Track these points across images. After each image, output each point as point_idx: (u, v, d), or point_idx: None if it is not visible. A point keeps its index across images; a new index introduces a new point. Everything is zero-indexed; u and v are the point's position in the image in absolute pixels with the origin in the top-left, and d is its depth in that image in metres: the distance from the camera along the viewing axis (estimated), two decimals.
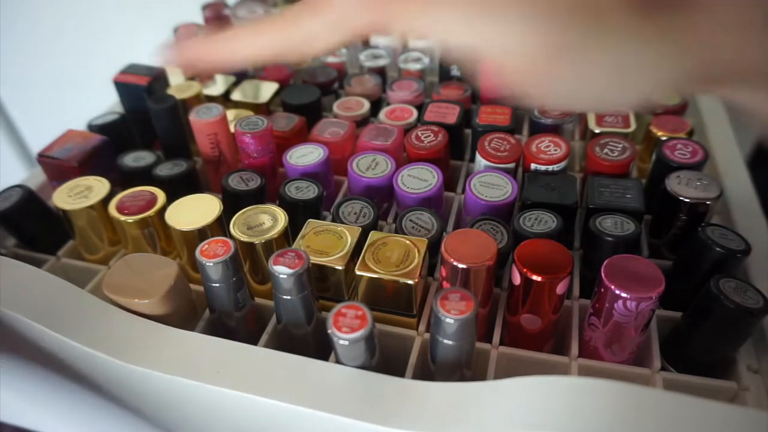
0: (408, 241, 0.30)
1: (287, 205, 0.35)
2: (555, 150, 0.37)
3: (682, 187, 0.34)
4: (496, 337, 0.31)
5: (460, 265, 0.27)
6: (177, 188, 0.35)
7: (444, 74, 0.50)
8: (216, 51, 0.28)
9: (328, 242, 0.31)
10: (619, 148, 0.37)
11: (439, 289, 0.28)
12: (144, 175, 0.38)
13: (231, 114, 0.43)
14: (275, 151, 0.40)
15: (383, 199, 0.38)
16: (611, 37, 0.21)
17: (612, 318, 0.27)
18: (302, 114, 0.44)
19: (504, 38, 0.21)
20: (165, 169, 0.38)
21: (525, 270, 0.28)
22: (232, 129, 0.40)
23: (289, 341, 0.30)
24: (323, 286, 0.31)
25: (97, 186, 0.35)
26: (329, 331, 0.24)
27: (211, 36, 0.28)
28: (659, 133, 0.41)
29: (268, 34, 0.27)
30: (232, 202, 0.34)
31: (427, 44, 0.52)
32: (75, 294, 0.29)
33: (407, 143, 0.39)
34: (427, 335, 0.30)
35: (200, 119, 0.39)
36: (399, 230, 0.33)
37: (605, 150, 0.37)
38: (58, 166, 0.38)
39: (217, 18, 0.54)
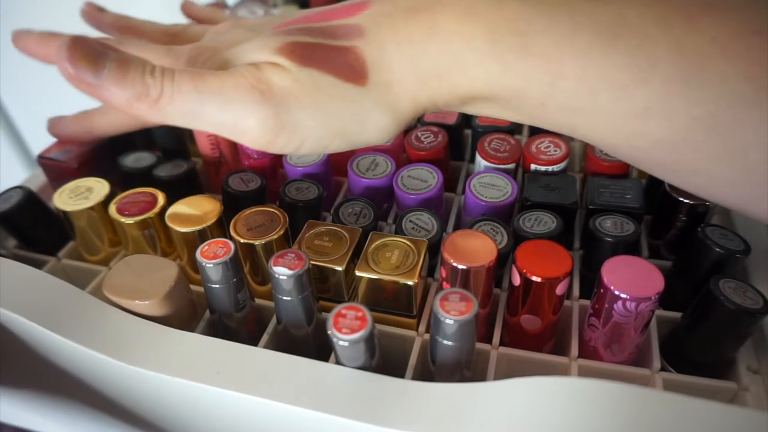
0: (408, 242, 0.31)
1: (287, 206, 0.35)
2: (555, 150, 0.37)
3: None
4: (496, 337, 0.31)
5: (460, 266, 0.27)
6: (177, 189, 0.35)
7: None
8: (82, 125, 0.34)
9: (328, 243, 0.31)
10: None
11: (439, 290, 0.28)
12: (144, 176, 0.38)
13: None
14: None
15: (383, 200, 0.38)
16: (319, 112, 0.25)
17: (612, 318, 0.27)
18: None
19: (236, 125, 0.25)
20: (165, 170, 0.38)
21: (525, 271, 0.28)
22: None
23: (289, 342, 0.30)
24: (323, 287, 0.31)
25: (98, 187, 0.35)
26: (329, 332, 0.24)
27: (75, 115, 0.34)
28: None
29: (115, 113, 0.33)
30: (233, 203, 0.34)
31: None
32: (75, 295, 0.30)
33: (407, 144, 0.40)
34: (427, 336, 0.30)
35: None
36: (399, 231, 0.33)
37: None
38: (59, 168, 0.38)
39: None
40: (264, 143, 0.25)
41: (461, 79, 0.25)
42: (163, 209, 0.33)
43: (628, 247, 0.31)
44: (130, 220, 0.33)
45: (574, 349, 0.30)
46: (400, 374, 0.26)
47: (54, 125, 0.34)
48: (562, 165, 0.37)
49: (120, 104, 0.24)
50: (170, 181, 0.37)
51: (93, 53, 0.23)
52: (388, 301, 0.30)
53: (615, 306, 0.27)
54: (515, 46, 0.24)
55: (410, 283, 0.29)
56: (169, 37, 0.36)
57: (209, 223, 0.32)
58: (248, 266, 0.32)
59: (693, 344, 0.30)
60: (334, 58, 0.25)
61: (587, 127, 0.25)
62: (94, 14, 0.36)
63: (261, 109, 0.24)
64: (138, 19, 0.36)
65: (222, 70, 0.26)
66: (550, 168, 0.37)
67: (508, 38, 0.24)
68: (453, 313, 0.24)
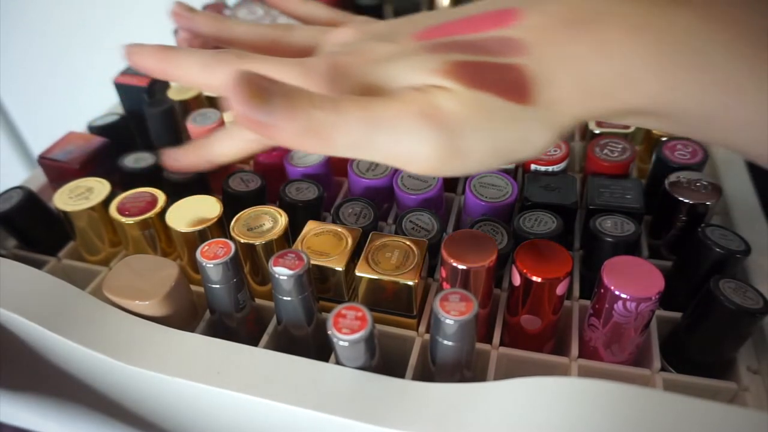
0: (408, 242, 0.31)
1: (287, 206, 0.35)
2: (555, 150, 0.37)
3: (682, 187, 0.34)
4: (496, 337, 0.31)
5: (460, 266, 0.27)
6: (188, 192, 0.35)
7: None
8: (201, 155, 0.31)
9: (328, 243, 0.31)
10: (619, 149, 0.37)
11: (439, 290, 0.28)
12: (145, 176, 0.38)
13: (230, 115, 0.43)
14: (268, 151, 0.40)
15: (383, 200, 0.38)
16: (488, 135, 0.23)
17: (612, 318, 0.27)
18: None
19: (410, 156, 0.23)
20: (176, 172, 0.38)
21: (525, 271, 0.28)
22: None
23: (289, 342, 0.30)
24: (323, 287, 0.31)
25: (98, 187, 0.35)
26: (329, 332, 0.24)
27: (190, 146, 0.32)
28: (659, 134, 0.41)
29: (233, 139, 0.30)
30: (233, 203, 0.34)
31: None
32: (75, 295, 0.30)
33: None
34: (427, 336, 0.30)
35: (198, 126, 0.39)
36: (399, 231, 0.33)
37: (605, 150, 0.37)
38: (59, 168, 0.38)
39: None
40: (433, 170, 0.24)
41: (627, 95, 0.24)
42: (163, 209, 0.33)
43: (628, 247, 0.31)
44: (130, 221, 0.33)
45: (574, 349, 0.30)
46: (400, 374, 0.26)
47: (170, 156, 0.32)
48: (562, 165, 0.37)
49: (286, 141, 0.22)
50: (183, 183, 0.37)
51: (260, 89, 0.21)
52: (388, 301, 0.30)
53: (615, 306, 0.27)
54: (689, 63, 0.23)
55: (410, 283, 0.29)
56: (269, 42, 0.33)
57: (209, 223, 0.32)
58: (248, 266, 0.32)
59: (693, 344, 0.30)
60: (499, 77, 0.24)
61: (761, 145, 0.24)
62: (184, 15, 0.33)
63: (433, 137, 0.23)
64: (232, 19, 0.34)
65: (373, 91, 0.25)
66: (550, 168, 0.37)
67: (681, 54, 0.23)
68: (453, 313, 0.24)
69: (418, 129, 0.23)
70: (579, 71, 0.24)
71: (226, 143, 0.30)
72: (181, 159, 0.31)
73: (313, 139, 0.22)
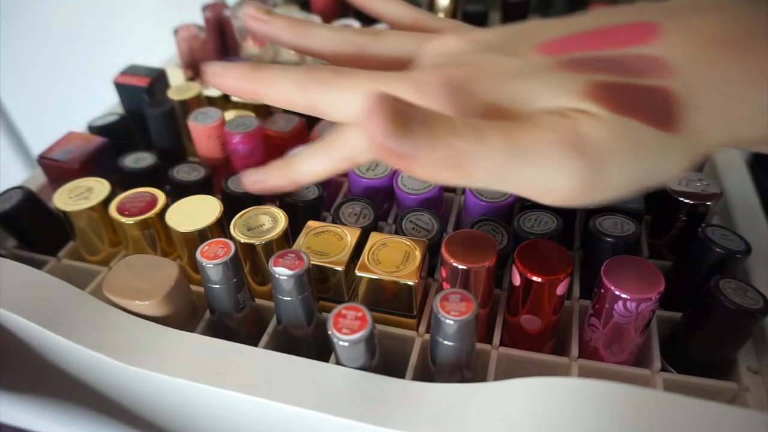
0: (408, 242, 0.31)
1: (287, 206, 0.35)
2: None
3: (682, 187, 0.34)
4: (496, 337, 0.31)
5: (460, 266, 0.27)
6: (192, 193, 0.35)
7: None
8: (286, 176, 0.28)
9: (328, 243, 0.31)
10: None
11: (439, 290, 0.28)
12: (145, 176, 0.38)
13: (231, 115, 0.43)
14: (264, 151, 0.40)
15: (383, 200, 0.38)
16: (638, 166, 0.21)
17: (612, 319, 0.27)
18: (302, 115, 0.43)
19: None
20: (182, 173, 0.38)
21: (525, 271, 0.28)
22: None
23: (289, 342, 0.30)
24: (323, 287, 0.31)
25: (98, 187, 0.35)
26: (329, 333, 0.24)
27: (274, 166, 0.29)
28: None
29: (322, 158, 0.27)
30: (233, 203, 0.34)
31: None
32: (75, 295, 0.30)
33: None
34: (427, 336, 0.30)
35: (200, 125, 0.39)
36: (399, 231, 0.33)
37: None
38: (59, 168, 0.38)
39: (218, 19, 0.54)
40: (570, 202, 0.22)
41: None
42: (164, 209, 0.33)
43: (628, 247, 0.31)
44: (130, 220, 0.33)
45: (575, 350, 0.30)
46: (400, 374, 0.26)
47: (250, 179, 0.29)
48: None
49: (422, 173, 0.20)
50: (189, 184, 0.37)
51: (401, 115, 0.19)
52: (388, 302, 0.30)
53: (615, 306, 0.27)
54: None
55: (410, 283, 0.29)
56: (354, 50, 0.29)
57: (209, 223, 0.32)
58: (248, 266, 0.32)
59: (693, 344, 0.30)
60: (645, 101, 0.21)
61: None
62: (261, 18, 0.30)
63: (577, 169, 0.20)
64: (313, 23, 0.30)
65: (500, 113, 0.22)
66: None
67: None
68: (453, 313, 0.24)
69: (562, 159, 0.20)
70: (727, 96, 0.22)
71: (315, 163, 0.27)
72: (264, 181, 0.29)
73: (453, 170, 0.20)
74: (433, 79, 0.23)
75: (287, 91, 0.26)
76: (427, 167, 0.20)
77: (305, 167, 0.28)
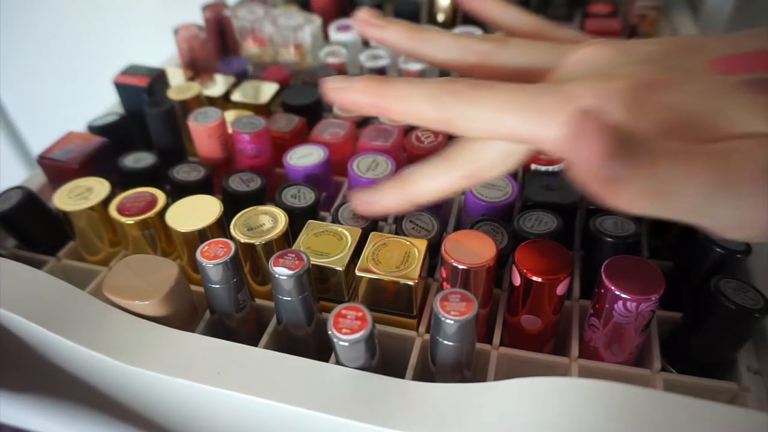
0: (408, 242, 0.31)
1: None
2: None
3: None
4: (497, 337, 0.31)
5: (461, 266, 0.27)
6: (192, 193, 0.35)
7: (444, 75, 0.50)
8: (403, 195, 0.27)
9: (328, 243, 0.31)
10: None
11: (439, 290, 0.28)
12: (145, 176, 0.38)
13: (231, 115, 0.43)
14: (272, 151, 0.40)
15: None
16: None
17: (612, 319, 0.27)
18: (302, 115, 0.44)
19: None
20: (182, 173, 0.38)
21: (525, 271, 0.28)
22: (229, 130, 0.40)
23: (289, 342, 0.30)
24: (323, 287, 0.31)
25: (98, 187, 0.35)
26: (329, 333, 0.24)
27: (388, 185, 0.27)
28: None
29: (444, 175, 0.26)
30: (233, 203, 0.34)
31: None
32: (75, 295, 0.30)
33: (407, 144, 0.40)
34: (427, 336, 0.30)
35: (200, 125, 0.39)
36: (399, 231, 0.33)
37: None
38: (59, 168, 0.38)
39: (218, 19, 0.54)
40: (757, 238, 0.20)
41: None
42: (164, 209, 0.33)
43: (628, 247, 0.31)
44: (130, 220, 0.33)
45: (575, 350, 0.30)
46: (400, 374, 0.26)
47: (361, 200, 0.28)
48: (562, 165, 0.37)
49: (622, 202, 0.18)
50: (190, 185, 0.37)
51: (616, 137, 0.17)
52: (389, 301, 0.30)
53: (615, 306, 0.27)
54: None
55: (410, 283, 0.29)
56: (476, 58, 0.27)
57: (209, 223, 0.32)
58: (248, 266, 0.32)
59: (693, 344, 0.30)
60: None
61: None
62: (375, 23, 0.28)
63: None
64: (430, 30, 0.28)
65: (679, 133, 0.20)
66: (550, 168, 0.37)
67: None
68: (453, 313, 0.24)
69: (764, 192, 0.18)
70: None
71: (434, 182, 0.26)
72: (377, 202, 0.28)
73: (655, 201, 0.18)
74: (594, 93, 0.21)
75: (419, 106, 0.24)
76: (630, 196, 0.18)
77: (424, 185, 0.26)
